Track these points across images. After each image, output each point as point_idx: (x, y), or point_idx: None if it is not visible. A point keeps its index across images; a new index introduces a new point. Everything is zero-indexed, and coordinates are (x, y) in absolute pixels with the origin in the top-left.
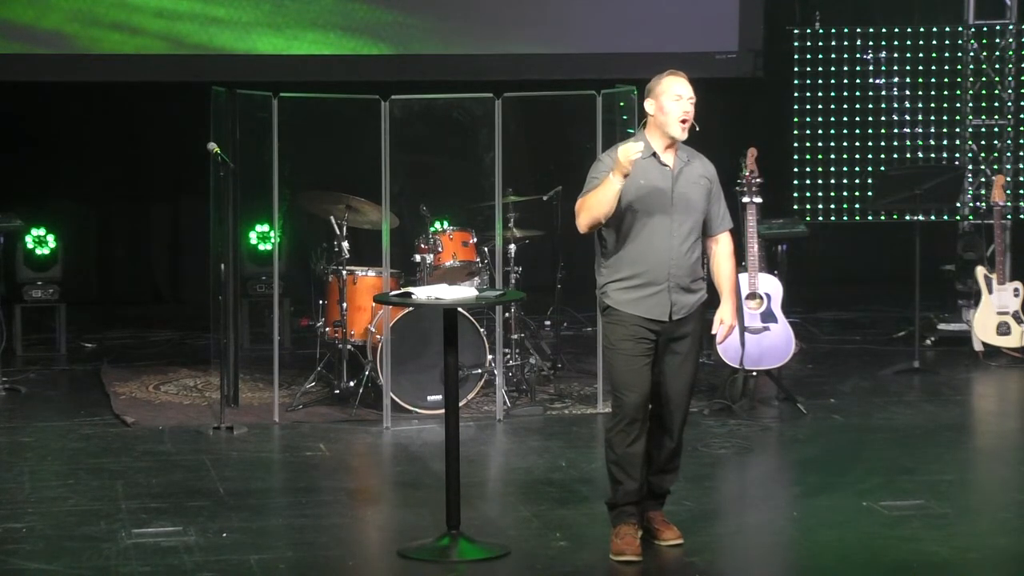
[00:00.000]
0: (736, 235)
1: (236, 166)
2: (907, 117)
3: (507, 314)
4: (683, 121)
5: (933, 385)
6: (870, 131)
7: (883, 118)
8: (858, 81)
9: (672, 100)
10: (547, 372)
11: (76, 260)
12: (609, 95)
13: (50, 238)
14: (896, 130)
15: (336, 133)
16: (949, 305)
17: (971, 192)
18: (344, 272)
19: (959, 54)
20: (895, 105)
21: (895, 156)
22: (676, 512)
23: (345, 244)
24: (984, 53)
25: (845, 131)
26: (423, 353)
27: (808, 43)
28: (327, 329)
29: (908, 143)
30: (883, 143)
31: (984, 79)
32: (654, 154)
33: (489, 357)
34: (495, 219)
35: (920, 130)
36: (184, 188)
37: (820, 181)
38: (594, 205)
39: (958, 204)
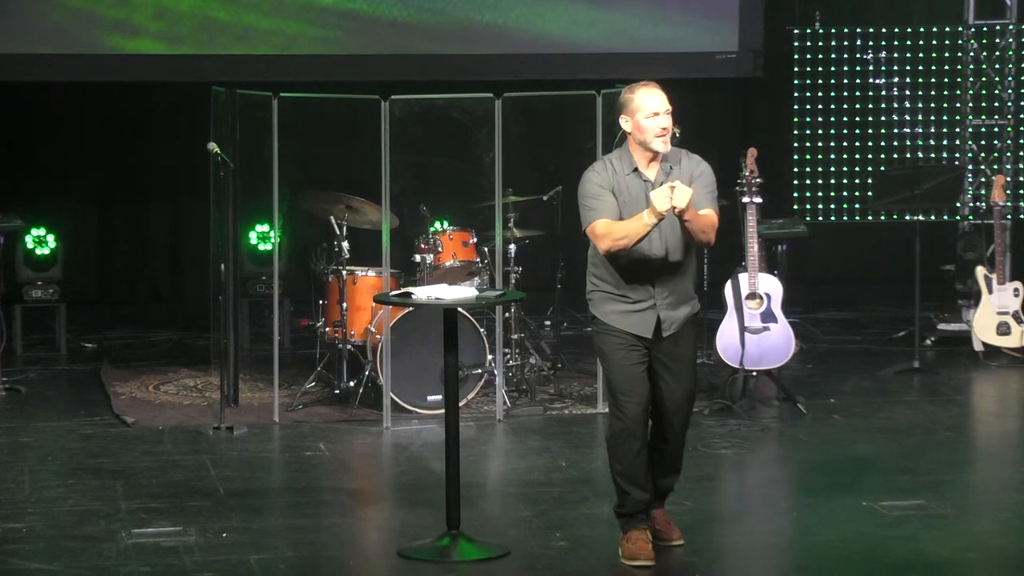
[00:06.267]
0: (736, 235)
1: (236, 166)
2: (907, 117)
3: (507, 314)
4: (660, 137)
5: (933, 385)
6: (870, 131)
7: (883, 118)
8: (858, 81)
9: (647, 118)
10: (547, 372)
11: (76, 260)
12: (609, 95)
13: (50, 238)
14: (896, 130)
15: (336, 133)
16: (949, 305)
17: (971, 192)
18: (344, 272)
19: (959, 54)
20: (895, 105)
21: (895, 156)
22: (676, 512)
23: (345, 244)
24: (984, 53)
25: (845, 131)
26: (423, 353)
27: (808, 43)
28: (327, 329)
29: (908, 143)
30: (883, 143)
31: (984, 79)
32: (635, 169)
33: (489, 357)
34: (495, 219)
35: (920, 130)
36: (184, 188)
37: (820, 181)
38: (620, 238)
39: (958, 204)
